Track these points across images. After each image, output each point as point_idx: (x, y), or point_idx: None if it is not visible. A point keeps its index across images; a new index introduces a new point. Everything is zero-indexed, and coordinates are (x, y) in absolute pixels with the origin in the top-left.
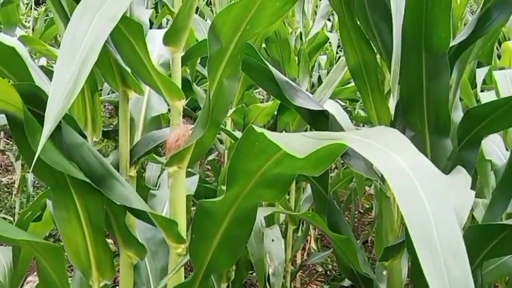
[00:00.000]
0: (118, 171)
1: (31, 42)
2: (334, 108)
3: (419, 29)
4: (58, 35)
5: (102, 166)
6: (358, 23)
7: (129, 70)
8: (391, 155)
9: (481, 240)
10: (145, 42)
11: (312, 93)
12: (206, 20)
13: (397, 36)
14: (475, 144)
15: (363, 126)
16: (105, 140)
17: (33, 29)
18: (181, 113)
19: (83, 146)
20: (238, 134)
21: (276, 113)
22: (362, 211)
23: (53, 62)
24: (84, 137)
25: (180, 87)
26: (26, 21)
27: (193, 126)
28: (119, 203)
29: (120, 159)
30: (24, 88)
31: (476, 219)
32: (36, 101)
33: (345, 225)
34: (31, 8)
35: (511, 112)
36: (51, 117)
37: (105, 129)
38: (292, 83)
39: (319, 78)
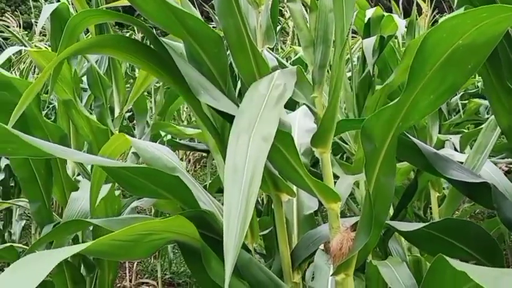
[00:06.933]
0: (282, 279)
1: (162, 126)
2: (489, 170)
3: None
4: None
5: (270, 281)
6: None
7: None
8: None
9: None
10: (296, 151)
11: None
12: None
13: None
14: None
15: None
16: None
17: (155, 101)
18: (339, 215)
19: (251, 263)
20: None
21: (414, 171)
22: None
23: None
24: (248, 250)
25: (333, 187)
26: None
27: (353, 230)
28: None
29: (282, 266)
30: (193, 215)
31: None
32: (204, 224)
33: None
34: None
35: None
36: (232, 251)
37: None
38: (441, 154)
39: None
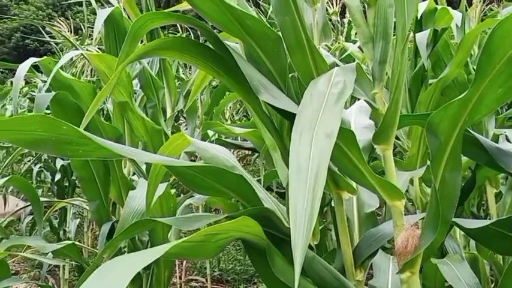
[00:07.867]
0: (345, 277)
1: (212, 126)
2: None
3: None
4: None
5: (334, 278)
6: None
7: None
8: None
9: None
10: (358, 148)
11: None
12: None
13: None
14: None
15: None
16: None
17: (201, 102)
18: (403, 213)
19: (314, 260)
20: None
21: (473, 166)
22: None
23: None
24: (311, 248)
25: (397, 185)
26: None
27: (418, 227)
28: None
29: (345, 264)
30: (257, 213)
31: None
32: (266, 222)
33: None
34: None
35: None
36: (300, 251)
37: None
38: (504, 148)
39: None
